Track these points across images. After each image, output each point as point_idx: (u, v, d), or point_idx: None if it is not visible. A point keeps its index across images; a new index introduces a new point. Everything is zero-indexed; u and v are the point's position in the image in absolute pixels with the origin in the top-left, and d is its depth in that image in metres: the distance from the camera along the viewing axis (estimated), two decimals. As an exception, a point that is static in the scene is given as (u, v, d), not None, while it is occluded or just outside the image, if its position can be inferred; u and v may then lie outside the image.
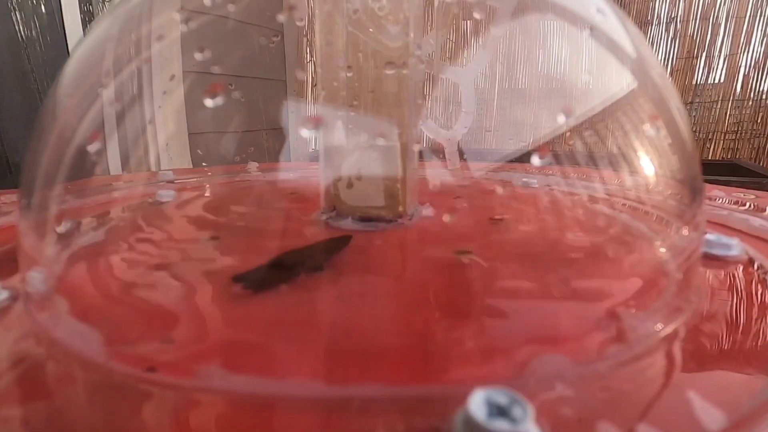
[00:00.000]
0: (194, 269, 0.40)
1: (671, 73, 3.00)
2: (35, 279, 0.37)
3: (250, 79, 0.44)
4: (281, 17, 0.41)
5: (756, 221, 0.58)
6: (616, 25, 0.44)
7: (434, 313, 0.33)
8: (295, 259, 0.41)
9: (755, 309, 0.37)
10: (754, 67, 2.86)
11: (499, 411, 0.22)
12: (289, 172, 0.48)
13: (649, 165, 0.41)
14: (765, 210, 0.67)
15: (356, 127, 0.49)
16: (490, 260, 0.40)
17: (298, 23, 0.43)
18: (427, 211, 0.52)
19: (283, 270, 0.40)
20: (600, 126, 0.41)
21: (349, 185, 0.48)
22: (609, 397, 0.27)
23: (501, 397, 0.23)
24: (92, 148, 0.39)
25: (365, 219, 0.50)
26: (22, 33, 2.28)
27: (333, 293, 0.37)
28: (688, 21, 2.95)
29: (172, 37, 0.42)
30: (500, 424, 0.21)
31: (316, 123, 0.41)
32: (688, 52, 2.98)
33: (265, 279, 0.39)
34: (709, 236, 0.48)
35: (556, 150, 0.38)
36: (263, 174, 0.70)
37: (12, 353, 0.31)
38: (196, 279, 0.39)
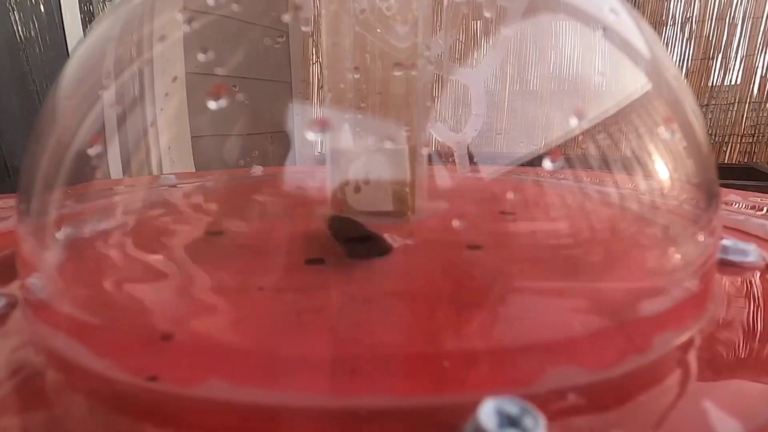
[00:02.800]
0: (197, 270, 0.40)
1: (686, 75, 2.99)
2: (34, 286, 0.37)
3: (255, 81, 0.44)
4: (286, 17, 0.41)
5: (773, 226, 0.58)
6: (629, 25, 0.44)
7: (443, 318, 0.33)
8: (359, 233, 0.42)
9: (773, 317, 0.37)
10: (772, 68, 2.86)
11: (510, 421, 0.22)
12: (295, 175, 0.48)
13: (663, 169, 0.41)
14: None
15: (363, 129, 0.49)
16: (501, 261, 0.40)
17: (303, 28, 0.43)
18: (437, 210, 0.52)
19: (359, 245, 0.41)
20: (613, 129, 0.41)
21: (357, 189, 0.48)
22: (622, 407, 0.27)
23: (512, 407, 0.23)
24: (92, 151, 0.39)
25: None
26: (21, 33, 2.28)
27: (338, 295, 0.37)
28: (703, 21, 2.94)
29: (174, 37, 0.42)
30: (511, 434, 0.21)
31: (323, 126, 0.41)
32: (703, 53, 2.97)
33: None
34: (725, 242, 0.48)
35: (568, 153, 0.38)
36: (268, 177, 0.70)
37: (10, 362, 0.31)
38: (199, 280, 0.39)
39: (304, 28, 0.43)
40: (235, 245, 0.45)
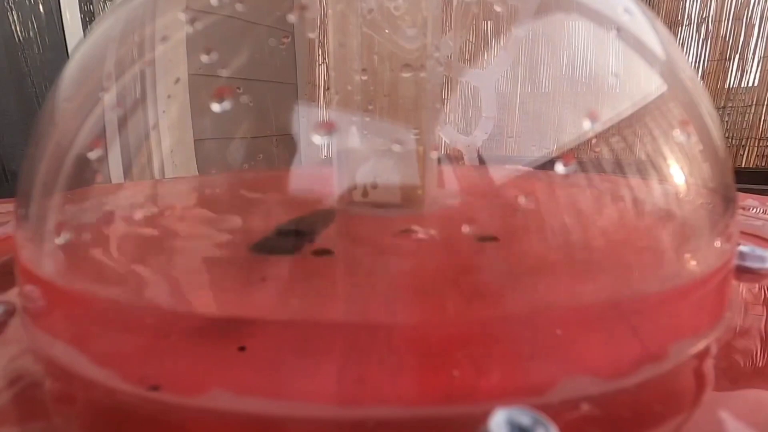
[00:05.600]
0: (199, 268, 0.40)
1: (702, 77, 2.99)
2: (33, 293, 0.37)
3: (259, 83, 0.44)
4: (292, 17, 0.41)
5: (792, 232, 0.58)
6: (644, 25, 0.44)
7: (453, 323, 0.33)
8: (302, 227, 0.43)
9: (791, 324, 0.37)
10: (790, 69, 2.85)
11: (521, 432, 0.22)
12: (301, 176, 0.48)
13: (679, 173, 0.40)
14: (802, 220, 0.67)
15: (371, 132, 0.49)
16: (511, 262, 0.40)
17: (310, 35, 0.43)
18: (448, 203, 0.52)
19: (292, 237, 0.41)
20: (627, 132, 0.41)
21: (365, 194, 0.48)
22: (637, 417, 0.27)
23: (523, 418, 0.23)
24: (93, 155, 0.39)
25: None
26: (20, 34, 2.29)
27: (341, 297, 0.36)
28: (720, 21, 2.93)
29: (177, 38, 0.42)
30: (523, 445, 0.21)
31: (329, 129, 0.41)
32: (720, 54, 2.96)
33: (275, 246, 0.40)
34: (742, 248, 0.48)
35: (581, 157, 0.38)
36: (272, 175, 0.70)
37: (8, 371, 0.31)
38: (201, 280, 0.39)
39: (310, 35, 0.43)
40: (238, 237, 0.45)
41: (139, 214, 0.44)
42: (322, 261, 0.39)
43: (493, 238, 0.41)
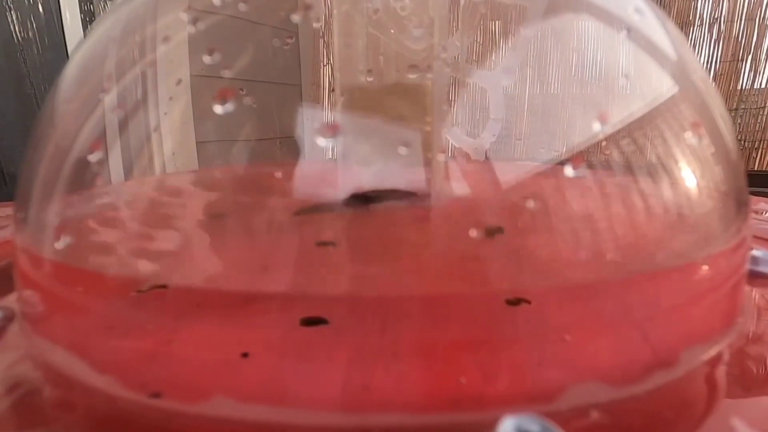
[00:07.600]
0: (201, 266, 0.40)
1: (714, 78, 2.98)
2: (32, 298, 0.37)
3: (263, 84, 0.44)
4: (296, 17, 0.41)
5: (806, 236, 0.58)
6: (655, 25, 0.44)
7: (458, 327, 0.33)
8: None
9: (806, 331, 0.37)
10: (804, 70, 2.84)
11: (530, 440, 0.22)
12: (305, 175, 0.48)
13: (690, 176, 0.40)
14: (816, 224, 0.67)
15: (376, 135, 0.49)
16: (516, 263, 0.40)
17: (314, 24, 0.43)
18: (456, 195, 0.52)
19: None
20: (638, 134, 0.41)
21: (370, 194, 0.48)
22: (647, 425, 0.27)
23: (532, 425, 0.23)
24: (93, 157, 0.39)
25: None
26: (19, 34, 2.29)
27: (347, 292, 0.36)
28: (732, 22, 2.93)
29: (178, 38, 0.42)
30: (531, 453, 0.21)
31: (334, 131, 0.41)
32: (732, 54, 2.95)
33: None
34: (755, 252, 0.47)
35: (591, 160, 0.37)
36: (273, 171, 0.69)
37: (7, 378, 0.31)
38: (203, 280, 0.39)
39: (315, 24, 0.43)
40: (239, 230, 0.45)
41: (139, 214, 0.44)
42: (325, 252, 0.39)
43: (500, 229, 0.41)
